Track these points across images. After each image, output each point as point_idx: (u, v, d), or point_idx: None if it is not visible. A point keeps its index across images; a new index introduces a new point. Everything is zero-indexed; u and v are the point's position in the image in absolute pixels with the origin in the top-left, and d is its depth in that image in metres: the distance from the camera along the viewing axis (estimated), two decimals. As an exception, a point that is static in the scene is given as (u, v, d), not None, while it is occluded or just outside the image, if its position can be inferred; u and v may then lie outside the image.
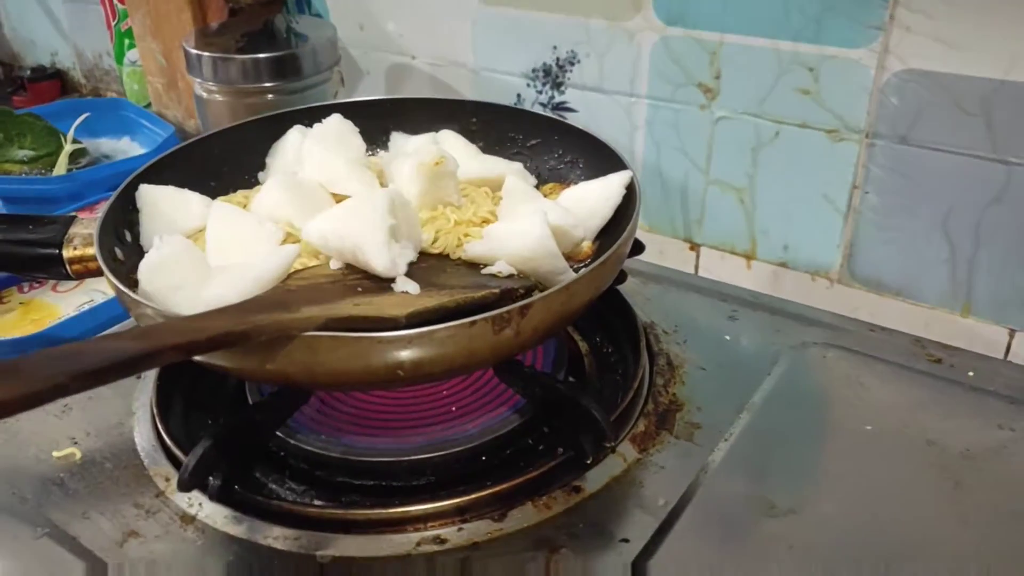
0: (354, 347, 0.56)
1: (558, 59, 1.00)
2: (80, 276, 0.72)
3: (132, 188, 0.75)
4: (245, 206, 0.76)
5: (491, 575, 0.59)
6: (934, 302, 0.86)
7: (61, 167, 1.24)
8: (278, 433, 0.70)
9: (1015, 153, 0.76)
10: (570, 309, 0.63)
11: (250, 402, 0.76)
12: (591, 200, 0.75)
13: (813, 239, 0.91)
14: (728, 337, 0.83)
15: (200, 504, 0.64)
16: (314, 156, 0.78)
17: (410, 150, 0.80)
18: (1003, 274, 0.81)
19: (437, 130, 0.88)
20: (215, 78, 1.03)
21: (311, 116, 0.86)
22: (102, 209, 0.70)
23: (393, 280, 0.64)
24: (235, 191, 0.82)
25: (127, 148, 1.34)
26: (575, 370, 0.81)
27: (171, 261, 0.64)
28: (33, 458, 0.70)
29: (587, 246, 0.74)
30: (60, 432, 0.72)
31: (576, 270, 0.69)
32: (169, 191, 0.76)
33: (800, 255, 0.93)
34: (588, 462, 0.66)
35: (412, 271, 0.65)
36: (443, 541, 0.61)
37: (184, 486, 0.62)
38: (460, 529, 0.62)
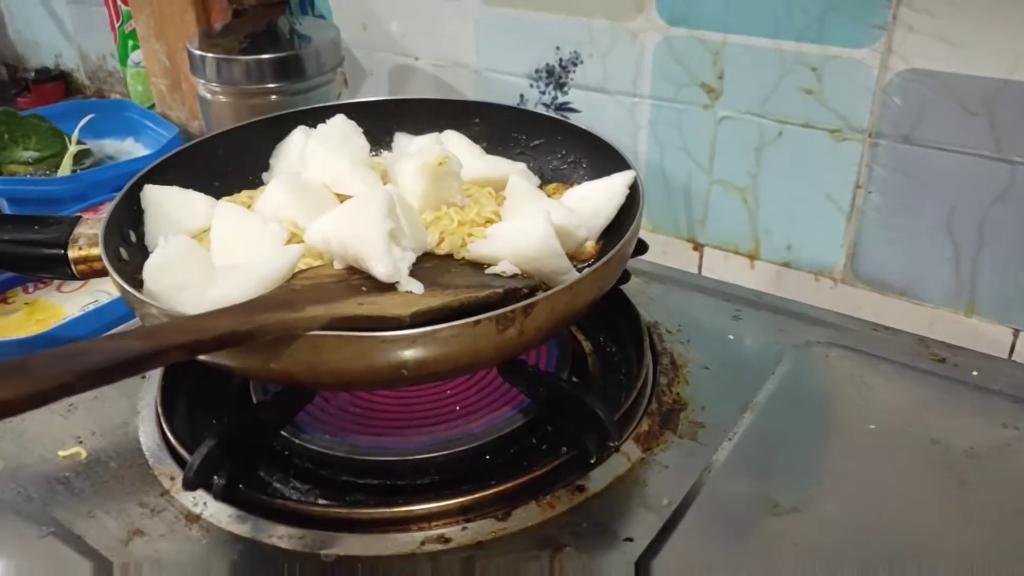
0: (358, 346, 0.56)
1: (561, 59, 1.00)
2: (85, 276, 0.72)
3: (137, 189, 0.75)
4: (249, 206, 0.76)
5: (495, 574, 0.59)
6: (938, 302, 0.86)
7: (65, 168, 1.24)
8: (282, 432, 0.70)
9: (1019, 152, 0.76)
10: (574, 309, 0.64)
11: (254, 401, 0.76)
12: (594, 200, 0.75)
13: (816, 239, 0.91)
14: (732, 337, 0.83)
15: (205, 503, 0.65)
16: (318, 156, 0.78)
17: (414, 150, 0.80)
18: (1007, 273, 0.81)
19: (441, 130, 0.88)
20: (219, 79, 1.03)
21: (315, 117, 0.86)
22: (107, 209, 0.70)
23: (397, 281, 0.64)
24: (239, 192, 0.82)
25: (131, 149, 1.34)
26: (579, 370, 0.81)
27: (176, 261, 0.64)
28: (39, 457, 0.70)
29: (591, 246, 0.74)
30: (65, 431, 0.73)
31: (580, 270, 0.69)
32: (174, 191, 0.76)
33: (803, 255, 0.93)
34: (592, 461, 0.66)
35: (416, 271, 0.65)
36: (447, 540, 0.61)
37: (189, 485, 0.62)
38: (464, 528, 0.62)
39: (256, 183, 0.84)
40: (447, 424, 0.72)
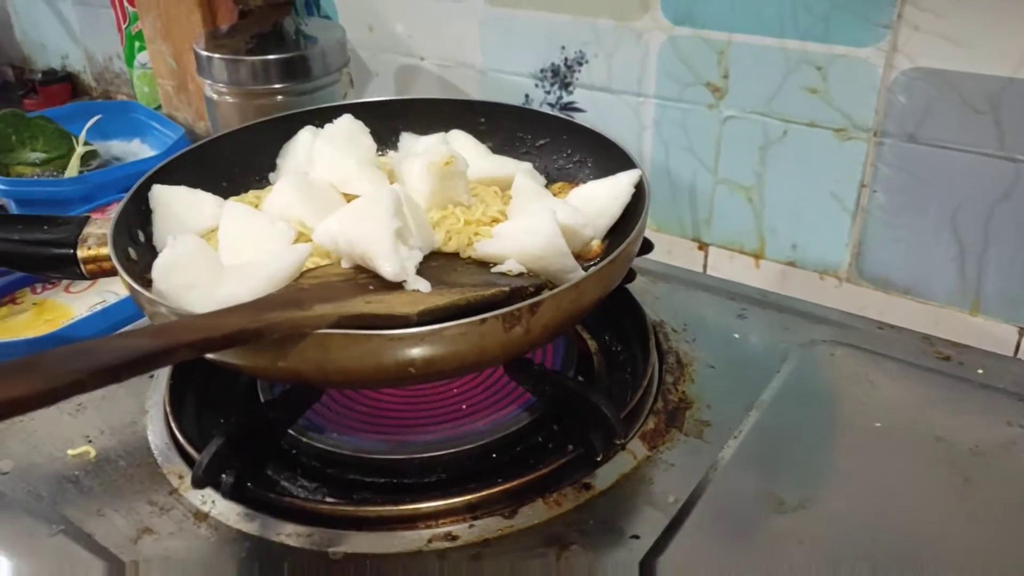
0: (366, 345, 0.56)
1: (566, 59, 1.01)
2: (94, 276, 0.72)
3: (145, 189, 0.76)
4: (257, 206, 0.77)
5: (502, 571, 0.59)
6: (943, 300, 0.86)
7: (73, 169, 1.24)
8: (290, 431, 0.71)
9: (1023, 151, 0.76)
10: (579, 307, 0.64)
11: (262, 400, 0.76)
12: (600, 199, 0.76)
13: (821, 238, 0.91)
14: (737, 335, 0.83)
15: (213, 501, 0.65)
16: (325, 156, 0.78)
17: (420, 150, 0.80)
18: (1012, 272, 0.81)
19: (447, 130, 0.88)
20: (225, 80, 1.04)
21: (321, 117, 0.86)
22: (115, 209, 0.71)
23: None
24: (246, 191, 0.82)
25: (137, 150, 1.34)
26: (584, 369, 0.81)
27: (185, 260, 0.65)
28: (48, 456, 0.71)
29: (596, 245, 0.74)
30: (75, 431, 0.73)
31: (585, 269, 0.69)
32: (182, 191, 0.77)
33: (808, 254, 0.93)
34: (598, 459, 0.67)
35: (423, 269, 0.66)
36: (454, 538, 0.61)
37: (198, 483, 0.62)
38: (471, 526, 0.62)
39: (263, 183, 0.85)
40: (454, 422, 0.72)
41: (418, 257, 0.66)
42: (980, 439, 0.68)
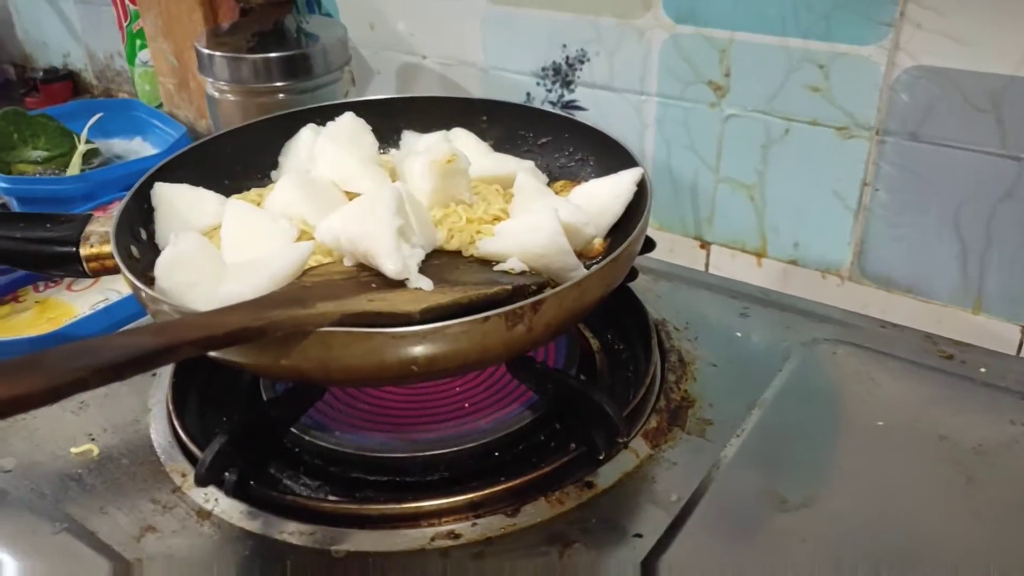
0: (369, 343, 0.56)
1: (567, 58, 1.00)
2: (97, 274, 0.73)
3: (147, 187, 0.76)
4: (259, 204, 0.77)
5: (504, 570, 0.59)
6: (945, 299, 0.86)
7: (74, 167, 1.24)
8: (292, 429, 0.71)
9: (1026, 149, 0.76)
10: (582, 305, 0.64)
11: (264, 398, 0.77)
12: (602, 197, 0.75)
13: (823, 236, 0.91)
14: (739, 334, 0.83)
15: (216, 499, 0.65)
16: (327, 154, 0.78)
17: (422, 148, 0.80)
18: (1014, 271, 0.81)
19: (448, 128, 0.88)
20: (227, 78, 1.04)
21: (323, 115, 0.86)
22: (118, 207, 0.71)
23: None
24: (248, 189, 0.82)
25: (139, 148, 1.35)
26: (587, 367, 0.81)
27: (187, 258, 0.65)
28: (51, 454, 0.71)
29: (598, 243, 0.74)
30: (77, 429, 0.73)
31: (587, 267, 0.69)
32: (184, 189, 0.77)
33: (810, 252, 0.93)
34: (601, 458, 0.67)
35: (425, 268, 0.66)
36: (457, 536, 0.61)
37: (201, 481, 0.62)
38: (474, 524, 0.62)
39: (265, 181, 0.85)
40: (456, 421, 0.72)
41: (420, 255, 0.66)
42: (983, 438, 0.68)
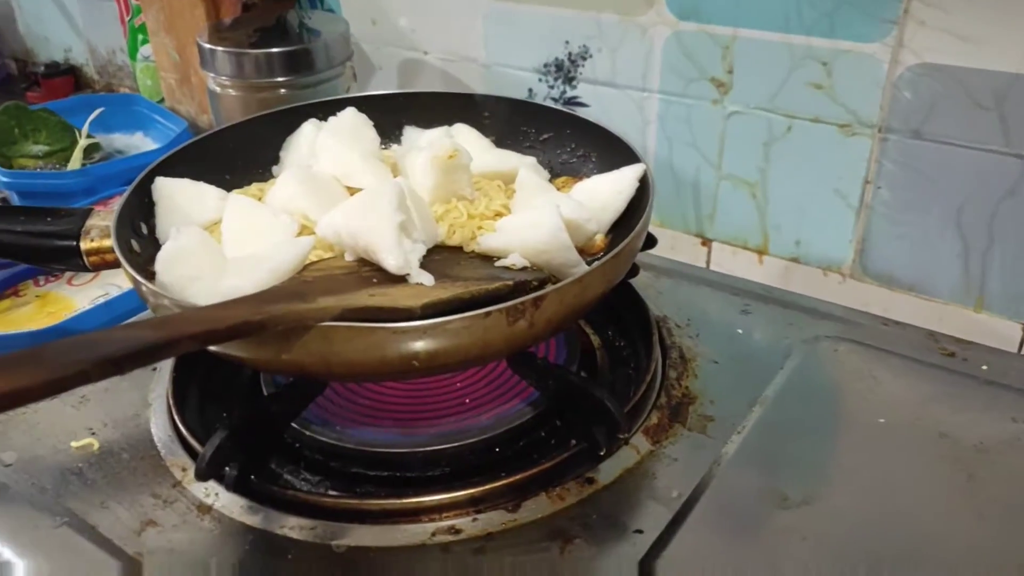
0: (370, 337, 0.56)
1: (570, 54, 1.00)
2: (97, 268, 0.72)
3: (148, 181, 0.76)
4: (260, 199, 0.77)
5: (505, 565, 0.59)
6: (947, 297, 0.86)
7: (75, 162, 1.25)
8: (293, 424, 0.70)
9: (1029, 147, 0.76)
10: (583, 301, 0.64)
11: (265, 393, 0.76)
12: (604, 193, 0.75)
13: (825, 234, 0.91)
14: (740, 331, 0.83)
15: (216, 494, 0.65)
16: (329, 149, 0.78)
17: (424, 144, 0.80)
18: (1017, 269, 0.81)
19: (450, 124, 0.88)
20: (228, 73, 1.04)
21: (324, 110, 0.86)
22: (119, 202, 0.71)
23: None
24: (249, 184, 0.82)
25: (140, 143, 1.34)
26: (588, 364, 0.81)
27: (188, 252, 0.65)
28: (51, 448, 0.71)
29: (600, 239, 0.74)
30: (78, 423, 0.73)
31: (589, 263, 0.69)
32: (185, 184, 0.77)
33: (812, 250, 0.93)
34: (601, 454, 0.66)
35: (427, 263, 0.66)
36: (458, 531, 0.61)
37: (201, 476, 0.62)
38: (474, 520, 0.62)
39: (266, 176, 0.85)
40: (457, 416, 0.72)
41: (421, 250, 0.66)
42: (984, 435, 0.68)
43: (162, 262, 0.64)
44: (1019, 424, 0.69)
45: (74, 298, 0.96)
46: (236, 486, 0.64)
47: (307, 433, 0.70)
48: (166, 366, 0.77)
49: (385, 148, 0.87)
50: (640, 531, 0.61)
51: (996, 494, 0.63)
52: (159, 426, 0.72)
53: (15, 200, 1.14)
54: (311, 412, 0.72)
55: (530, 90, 1.06)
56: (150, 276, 0.65)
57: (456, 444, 0.69)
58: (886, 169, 0.84)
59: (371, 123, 0.84)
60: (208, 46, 1.04)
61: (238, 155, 0.85)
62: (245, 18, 1.17)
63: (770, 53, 0.86)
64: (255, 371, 0.79)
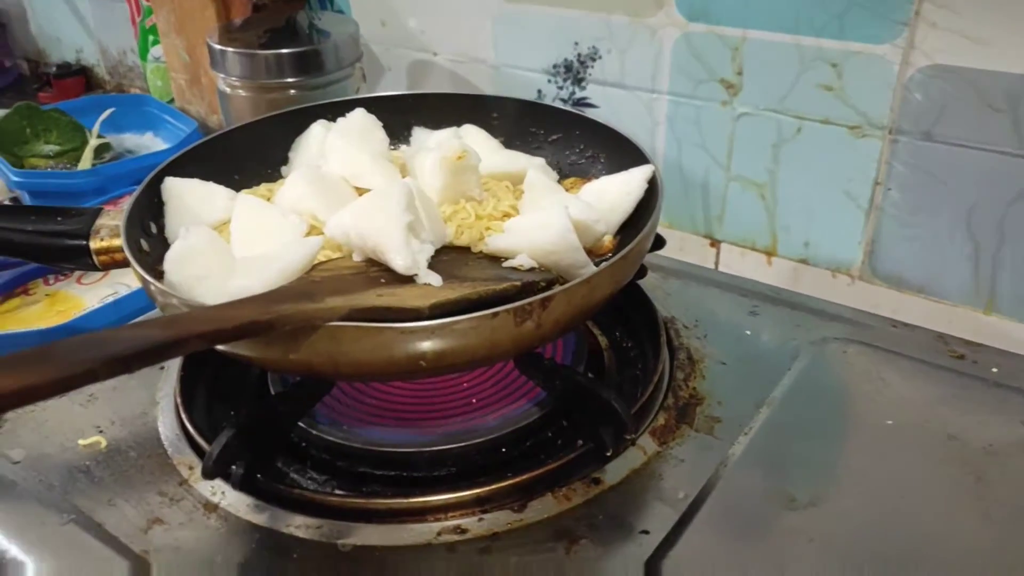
0: (378, 337, 0.56)
1: (579, 55, 1.00)
2: (106, 267, 0.73)
3: (157, 181, 0.76)
4: (269, 199, 0.77)
5: (511, 565, 0.59)
6: (957, 299, 0.85)
7: (86, 162, 1.25)
8: (300, 423, 0.71)
9: (1040, 149, 0.76)
10: (591, 302, 0.64)
11: (272, 392, 0.77)
12: (612, 194, 0.75)
13: (834, 236, 0.91)
14: (748, 332, 0.83)
15: (223, 492, 0.65)
16: (338, 150, 0.78)
17: (432, 144, 0.80)
18: (1027, 271, 0.80)
19: (459, 125, 0.88)
20: (238, 73, 1.04)
21: (334, 111, 0.86)
22: (128, 201, 0.71)
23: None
24: (258, 184, 0.83)
25: (150, 143, 1.35)
26: (595, 364, 0.81)
27: (197, 252, 0.65)
28: (59, 446, 0.71)
29: (608, 240, 0.74)
30: (86, 421, 0.74)
31: (597, 264, 0.69)
32: (194, 184, 0.77)
33: (821, 252, 0.92)
34: (608, 454, 0.66)
35: (435, 263, 0.66)
36: (464, 531, 0.61)
37: (208, 474, 0.62)
38: (480, 519, 0.62)
39: (275, 176, 0.85)
40: (463, 416, 0.72)
41: (430, 251, 0.66)
42: (994, 438, 0.68)
43: (171, 261, 0.65)
44: (1029, 427, 0.69)
45: (83, 297, 0.96)
46: (243, 485, 0.64)
47: (314, 432, 0.70)
48: (174, 365, 0.77)
49: (394, 149, 0.87)
50: (646, 532, 0.61)
51: (1005, 497, 0.63)
52: (166, 424, 0.73)
53: (26, 199, 1.15)
54: (318, 411, 0.72)
55: (539, 91, 1.06)
56: (159, 275, 0.65)
57: (463, 444, 0.69)
58: (896, 171, 0.84)
59: (380, 124, 0.84)
60: (218, 47, 1.04)
61: (247, 155, 0.85)
62: (255, 19, 1.18)
63: (780, 54, 0.86)
64: (262, 370, 0.79)
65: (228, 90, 1.06)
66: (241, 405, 0.77)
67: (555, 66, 1.03)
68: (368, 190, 0.73)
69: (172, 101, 1.39)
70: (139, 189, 0.74)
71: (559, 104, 1.04)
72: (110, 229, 0.71)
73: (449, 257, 0.69)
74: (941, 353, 0.78)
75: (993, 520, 0.61)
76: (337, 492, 0.67)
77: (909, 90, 0.80)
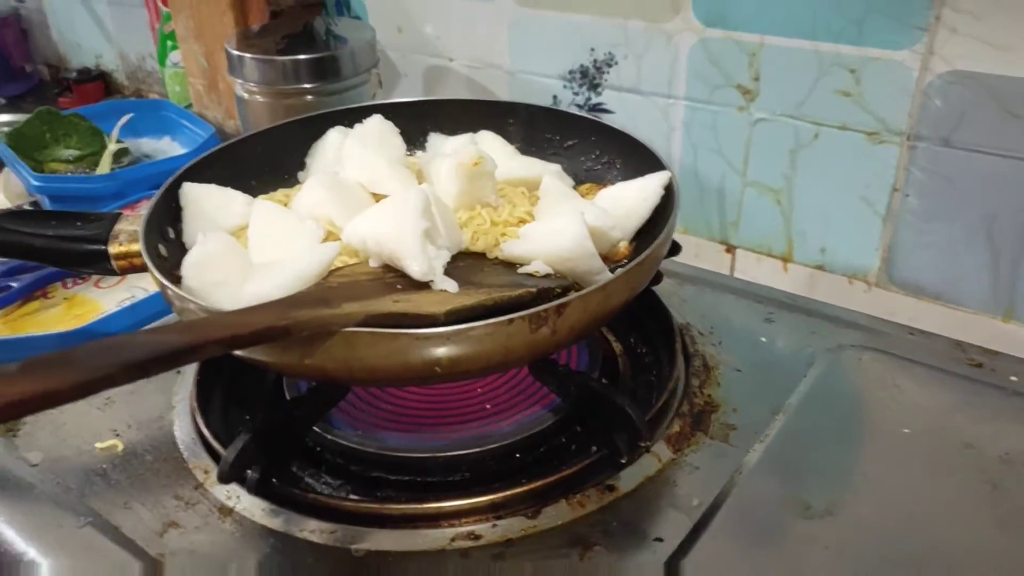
0: (393, 343, 0.56)
1: (595, 61, 1.00)
2: (124, 272, 0.73)
3: (176, 186, 0.76)
4: (286, 205, 0.77)
5: (524, 571, 0.59)
6: (975, 307, 0.85)
7: (104, 166, 1.26)
8: (315, 428, 0.71)
9: (1060, 156, 0.75)
10: (606, 309, 0.64)
11: (288, 397, 0.77)
12: (628, 201, 0.75)
13: (851, 242, 0.90)
14: (764, 339, 0.82)
15: (238, 497, 0.65)
16: (355, 156, 0.79)
17: (448, 150, 0.80)
18: (1046, 279, 0.80)
19: (475, 131, 0.88)
20: (256, 79, 1.05)
21: (350, 117, 0.87)
22: (146, 207, 0.72)
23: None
24: (276, 190, 0.83)
25: (168, 148, 1.36)
26: (609, 371, 0.81)
27: (214, 257, 0.65)
28: (76, 449, 0.72)
29: (624, 247, 0.74)
30: (103, 424, 0.74)
31: (613, 271, 0.69)
32: (212, 189, 0.77)
33: (837, 258, 0.92)
34: (623, 461, 0.66)
35: (450, 270, 0.66)
36: (477, 537, 0.61)
37: (223, 478, 0.63)
38: (494, 525, 0.62)
39: (292, 182, 0.85)
40: (478, 422, 0.72)
41: (446, 257, 0.66)
42: (1010, 446, 0.67)
43: (188, 267, 0.65)
44: (1048, 436, 0.68)
45: (101, 301, 0.97)
46: (258, 489, 0.64)
47: (328, 437, 0.71)
48: (190, 369, 0.78)
49: (410, 155, 0.88)
50: (660, 539, 0.60)
51: (1021, 505, 0.62)
52: (183, 429, 0.73)
53: (46, 203, 1.16)
54: (333, 416, 0.72)
55: (555, 97, 1.06)
56: (176, 280, 0.65)
57: (477, 450, 0.69)
58: (914, 177, 0.83)
59: (397, 130, 0.84)
60: (236, 53, 1.05)
61: (265, 161, 0.85)
62: (273, 25, 1.19)
63: (797, 60, 0.86)
64: (278, 375, 0.79)
65: (245, 96, 1.07)
66: (257, 410, 0.77)
67: (571, 72, 1.03)
68: (385, 196, 0.74)
69: (190, 106, 1.40)
70: (157, 195, 0.74)
71: (575, 110, 1.04)
72: (128, 234, 0.72)
73: (465, 263, 0.69)
74: (959, 361, 0.77)
75: (1009, 529, 0.61)
76: (351, 497, 0.67)
77: (928, 96, 0.80)
